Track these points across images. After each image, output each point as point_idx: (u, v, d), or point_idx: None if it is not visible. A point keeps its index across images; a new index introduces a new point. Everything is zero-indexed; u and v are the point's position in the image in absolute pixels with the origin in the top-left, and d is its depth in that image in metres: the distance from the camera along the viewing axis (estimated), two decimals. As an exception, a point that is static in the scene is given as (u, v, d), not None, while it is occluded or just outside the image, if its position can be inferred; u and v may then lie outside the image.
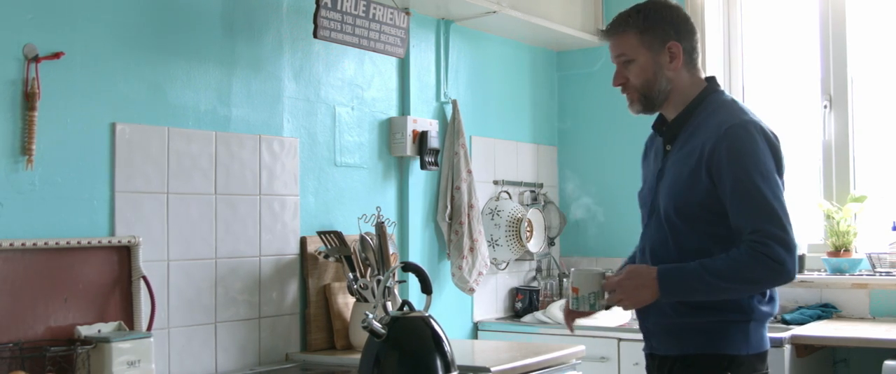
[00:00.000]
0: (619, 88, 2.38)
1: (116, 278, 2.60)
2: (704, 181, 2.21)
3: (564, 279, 4.31)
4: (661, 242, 2.31)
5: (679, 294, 2.21)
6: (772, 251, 2.10)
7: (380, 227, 3.22)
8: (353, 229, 3.29)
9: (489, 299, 4.15)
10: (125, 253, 2.63)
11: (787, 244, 2.12)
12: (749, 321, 2.25)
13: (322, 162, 3.32)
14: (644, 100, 2.33)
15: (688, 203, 2.24)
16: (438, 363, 2.39)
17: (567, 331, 3.83)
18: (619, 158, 4.42)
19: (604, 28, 2.44)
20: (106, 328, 2.53)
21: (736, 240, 2.19)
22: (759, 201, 2.14)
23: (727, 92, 4.33)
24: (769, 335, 3.40)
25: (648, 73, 2.31)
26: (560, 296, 4.25)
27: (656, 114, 2.42)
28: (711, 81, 2.38)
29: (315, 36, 3.09)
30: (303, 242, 3.20)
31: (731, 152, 2.17)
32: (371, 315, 2.38)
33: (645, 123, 2.44)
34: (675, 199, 2.26)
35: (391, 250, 3.22)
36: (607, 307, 2.39)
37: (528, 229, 4.13)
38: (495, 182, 4.18)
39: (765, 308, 2.27)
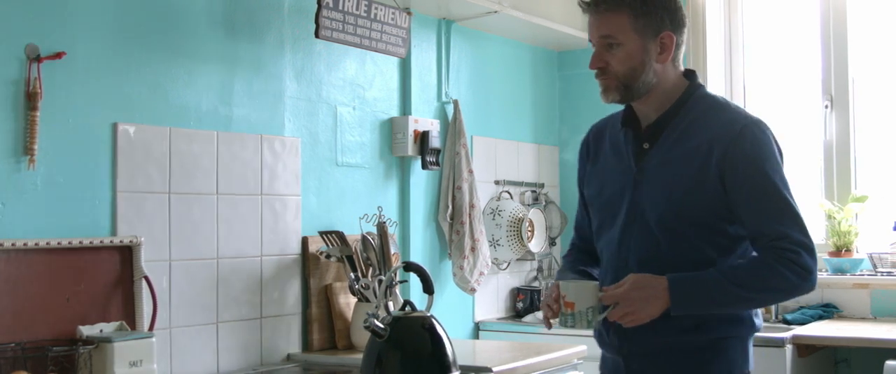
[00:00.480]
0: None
1: (118, 278, 2.60)
2: (714, 184, 2.01)
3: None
4: (652, 253, 2.06)
5: (695, 307, 1.99)
6: (801, 259, 1.95)
7: (381, 227, 3.22)
8: (355, 228, 3.29)
9: (490, 299, 4.15)
10: (127, 253, 2.63)
11: (813, 253, 1.98)
12: (748, 335, 2.11)
13: (323, 162, 3.32)
14: (624, 90, 2.08)
15: (693, 209, 2.03)
16: (440, 363, 2.39)
17: (569, 331, 3.82)
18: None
19: (587, 1, 2.13)
20: (108, 327, 2.53)
21: (738, 248, 2.05)
22: (783, 206, 1.99)
23: (728, 92, 4.40)
24: (770, 335, 3.44)
25: (635, 61, 2.05)
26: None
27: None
28: (693, 75, 2.17)
29: (317, 36, 3.10)
30: (304, 242, 3.20)
31: (749, 154, 2.00)
32: (373, 315, 2.38)
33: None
34: (675, 204, 2.04)
35: (393, 250, 3.22)
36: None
37: (530, 229, 4.13)
38: (496, 182, 4.18)
39: (758, 321, 2.13)
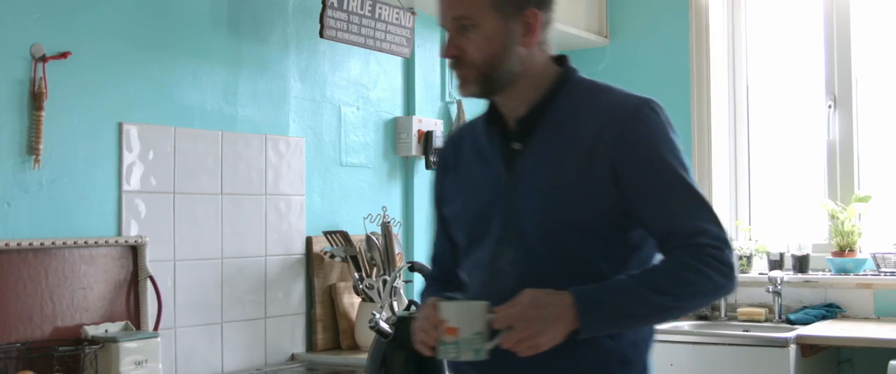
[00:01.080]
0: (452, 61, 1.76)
1: (123, 277, 2.60)
2: (603, 181, 1.67)
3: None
4: (534, 272, 1.69)
5: (608, 324, 1.63)
6: (723, 256, 1.63)
7: (385, 227, 3.22)
8: (359, 228, 3.29)
9: (493, 299, 4.14)
10: (132, 253, 2.63)
11: (732, 247, 1.67)
12: None
13: (327, 162, 3.32)
14: (484, 81, 1.72)
15: (580, 213, 1.68)
16: (445, 362, 2.39)
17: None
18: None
19: None
20: (113, 327, 2.53)
21: (635, 258, 1.72)
22: (692, 197, 1.67)
23: (731, 92, 4.40)
24: (774, 335, 3.44)
25: (495, 45, 1.70)
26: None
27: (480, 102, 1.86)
28: (566, 60, 1.81)
29: (321, 36, 3.10)
30: (308, 241, 3.20)
31: (645, 140, 1.68)
32: (378, 315, 2.38)
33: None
34: (558, 210, 1.69)
35: (397, 250, 3.22)
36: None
37: (533, 228, 4.12)
38: (500, 182, 4.18)
39: (650, 356, 1.79)
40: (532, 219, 1.70)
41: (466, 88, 1.75)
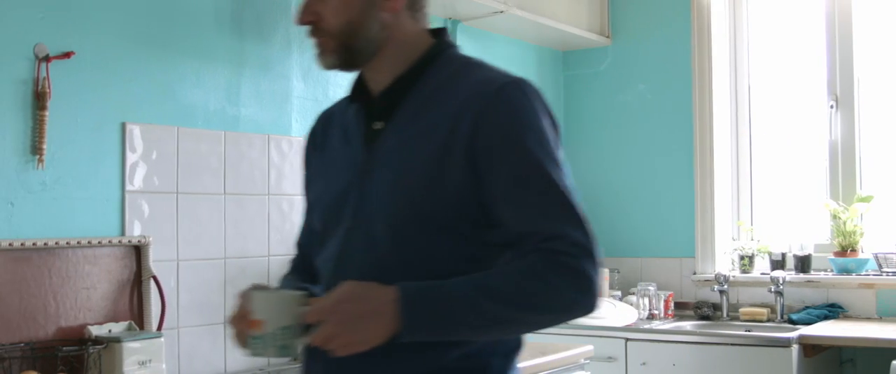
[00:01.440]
0: (308, 35, 1.58)
1: (127, 277, 2.60)
2: (459, 169, 1.44)
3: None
4: (376, 266, 1.47)
5: (434, 329, 1.39)
6: (580, 266, 1.38)
7: (388, 227, 3.22)
8: (361, 228, 3.29)
9: (495, 299, 4.14)
10: (135, 253, 2.63)
11: (596, 259, 1.41)
12: None
13: (330, 162, 3.33)
14: (343, 51, 1.53)
15: (434, 206, 1.45)
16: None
17: (575, 331, 3.67)
18: (625, 157, 4.42)
19: None
20: (117, 327, 2.53)
21: (499, 259, 1.47)
22: (555, 195, 1.43)
23: (733, 92, 4.40)
24: (776, 335, 3.44)
25: (352, 10, 1.51)
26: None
27: (351, 77, 1.65)
28: (442, 33, 1.61)
29: (324, 36, 3.10)
30: (311, 241, 3.20)
31: (507, 125, 1.44)
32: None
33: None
34: (407, 198, 1.46)
35: (399, 250, 3.22)
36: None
37: (535, 228, 4.12)
38: (502, 182, 4.17)
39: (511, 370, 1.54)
40: (381, 209, 1.49)
41: (325, 58, 1.56)
